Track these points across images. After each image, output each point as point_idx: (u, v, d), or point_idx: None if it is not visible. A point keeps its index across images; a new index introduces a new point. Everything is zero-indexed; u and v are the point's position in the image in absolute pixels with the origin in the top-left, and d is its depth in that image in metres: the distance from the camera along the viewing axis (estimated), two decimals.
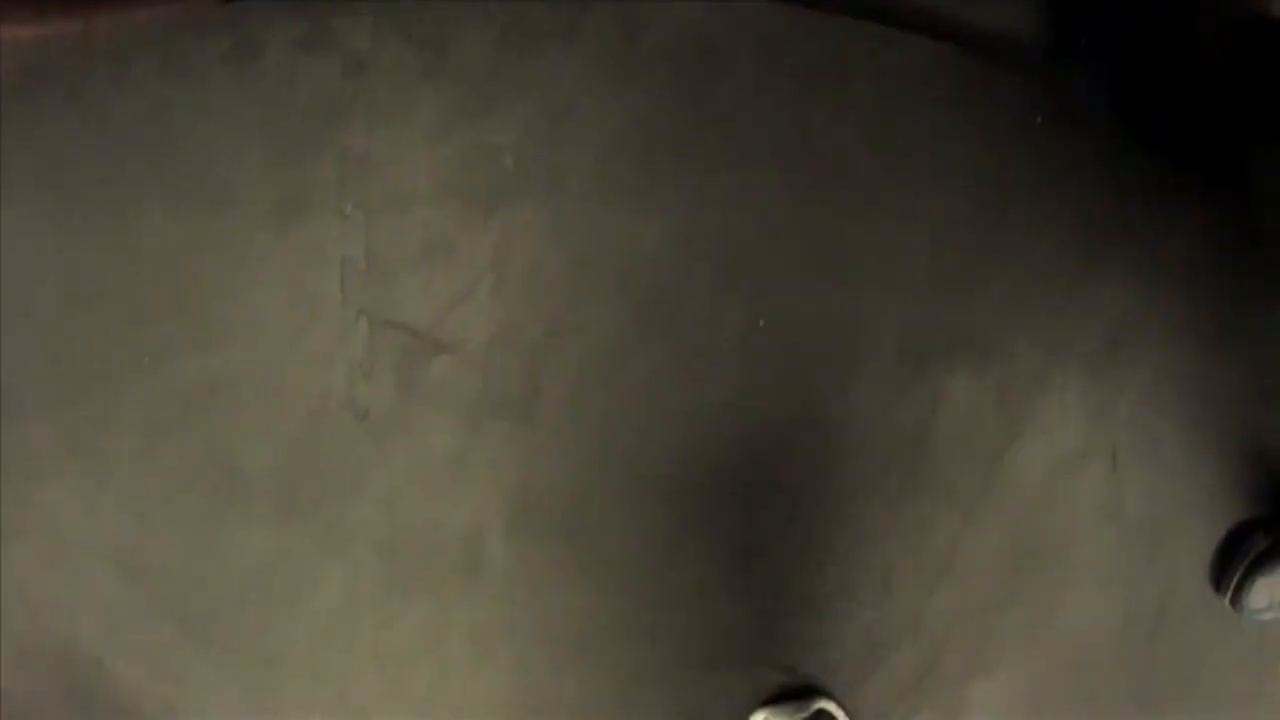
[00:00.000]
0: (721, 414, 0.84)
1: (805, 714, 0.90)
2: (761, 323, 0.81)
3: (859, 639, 0.93)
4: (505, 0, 0.76)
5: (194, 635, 1.00)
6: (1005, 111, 0.77)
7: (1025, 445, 0.84)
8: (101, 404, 0.94)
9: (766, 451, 0.85)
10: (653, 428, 0.85)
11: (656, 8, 0.75)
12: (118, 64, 0.83)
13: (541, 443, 0.86)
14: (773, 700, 0.93)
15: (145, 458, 0.94)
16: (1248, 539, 0.88)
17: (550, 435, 0.86)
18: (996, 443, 0.84)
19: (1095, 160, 0.77)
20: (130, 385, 0.92)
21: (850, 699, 0.95)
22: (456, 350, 0.85)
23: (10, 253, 0.86)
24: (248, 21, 0.79)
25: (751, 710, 0.93)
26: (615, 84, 0.77)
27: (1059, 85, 0.76)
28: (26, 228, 0.85)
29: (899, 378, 0.82)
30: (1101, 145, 0.77)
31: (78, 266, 0.89)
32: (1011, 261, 0.79)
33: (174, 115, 0.83)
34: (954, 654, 0.93)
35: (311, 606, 0.98)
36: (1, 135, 0.82)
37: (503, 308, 0.82)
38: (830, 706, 0.90)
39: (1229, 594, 0.88)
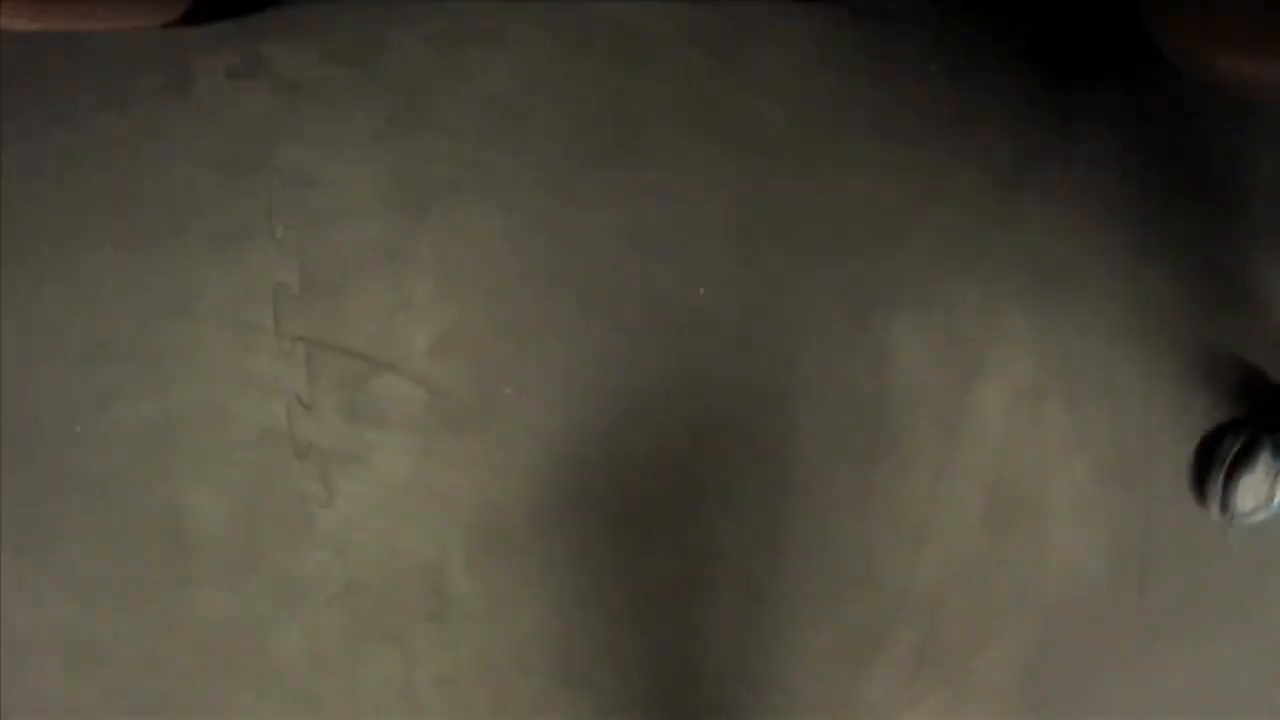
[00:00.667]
0: (675, 398, 0.82)
1: None
2: (701, 291, 0.80)
3: (848, 632, 0.89)
4: (430, 12, 0.78)
5: None
6: (904, 65, 0.79)
7: (981, 389, 0.83)
8: (43, 468, 0.90)
9: (724, 434, 0.83)
10: (607, 421, 0.82)
11: (574, 7, 0.77)
12: (58, 98, 0.83)
13: (496, 451, 0.83)
14: None
15: (89, 524, 0.90)
16: (1219, 444, 0.87)
17: (504, 442, 0.83)
18: (953, 391, 0.83)
19: (993, 99, 0.80)
20: (72, 443, 0.89)
21: (851, 697, 0.90)
22: (399, 366, 0.82)
23: None
24: (180, 53, 0.81)
25: None
26: (540, 82, 0.78)
27: (948, 34, 0.79)
28: None
29: (845, 335, 0.82)
30: (996, 83, 0.79)
31: (28, 312, 0.86)
32: (934, 207, 0.81)
33: (114, 148, 0.82)
34: (948, 628, 0.90)
35: (271, 671, 0.91)
36: None
37: (444, 313, 0.81)
38: None
39: (1216, 503, 0.87)
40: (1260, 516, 0.87)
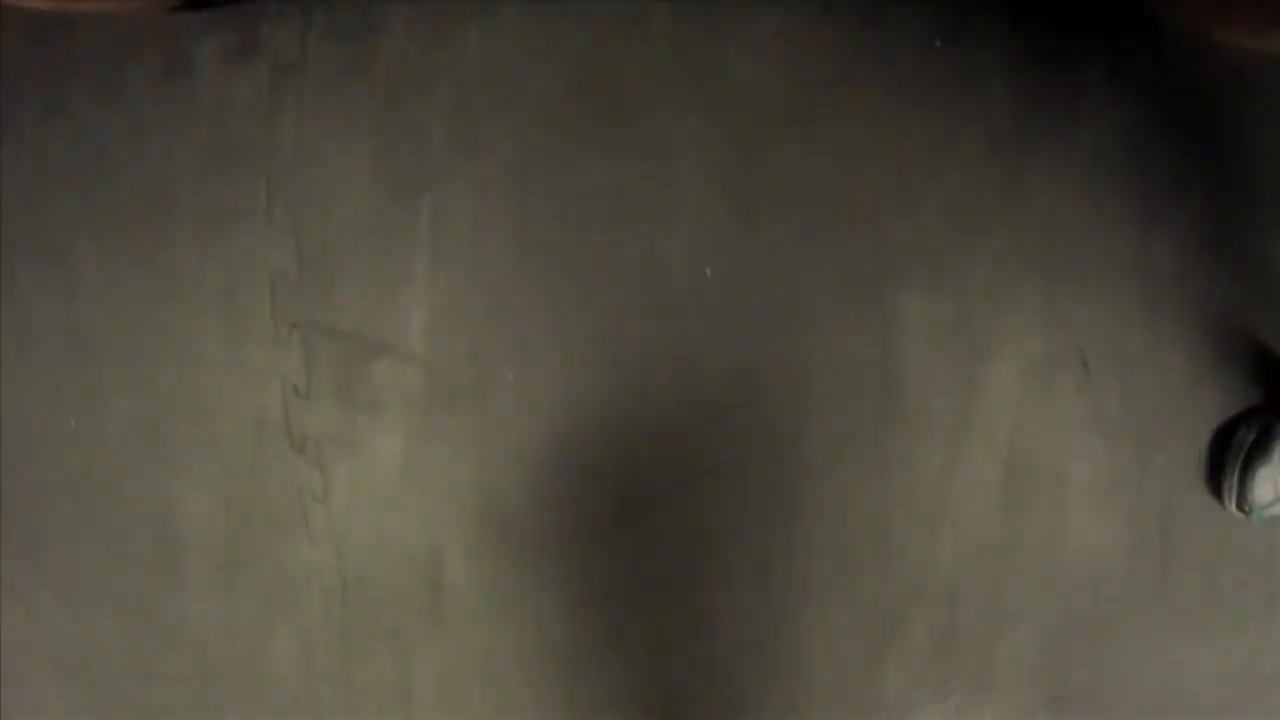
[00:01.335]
0: (679, 376, 0.81)
1: None
2: (709, 271, 0.79)
3: (865, 615, 0.86)
4: None
5: None
6: (906, 37, 0.79)
7: (993, 362, 0.82)
8: (34, 472, 0.88)
9: (730, 412, 0.81)
10: (609, 401, 0.80)
11: None
12: (51, 94, 0.82)
13: (495, 433, 0.81)
14: None
15: (82, 523, 0.88)
16: (1234, 435, 0.85)
17: (503, 423, 0.81)
18: (964, 364, 0.81)
19: (999, 70, 0.79)
20: (65, 440, 0.87)
21: (870, 686, 0.87)
22: (396, 347, 0.81)
23: None
24: (178, 38, 0.80)
25: None
26: (536, 54, 0.78)
27: (951, 7, 0.79)
28: None
29: (853, 310, 0.80)
30: (1002, 54, 0.79)
31: (24, 300, 0.85)
32: (939, 178, 0.80)
33: (113, 133, 0.82)
34: (969, 612, 0.87)
35: (266, 673, 0.88)
36: None
37: (441, 287, 0.79)
38: None
39: (1233, 497, 0.85)
40: (1278, 509, 0.85)
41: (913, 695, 0.87)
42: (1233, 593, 0.89)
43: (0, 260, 0.85)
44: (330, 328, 0.81)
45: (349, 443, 0.82)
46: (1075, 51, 0.80)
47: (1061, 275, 0.81)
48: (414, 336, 0.79)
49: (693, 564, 0.83)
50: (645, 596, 0.83)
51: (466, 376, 0.80)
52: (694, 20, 0.77)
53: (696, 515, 0.82)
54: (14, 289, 0.85)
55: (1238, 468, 0.84)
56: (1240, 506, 0.85)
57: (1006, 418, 0.82)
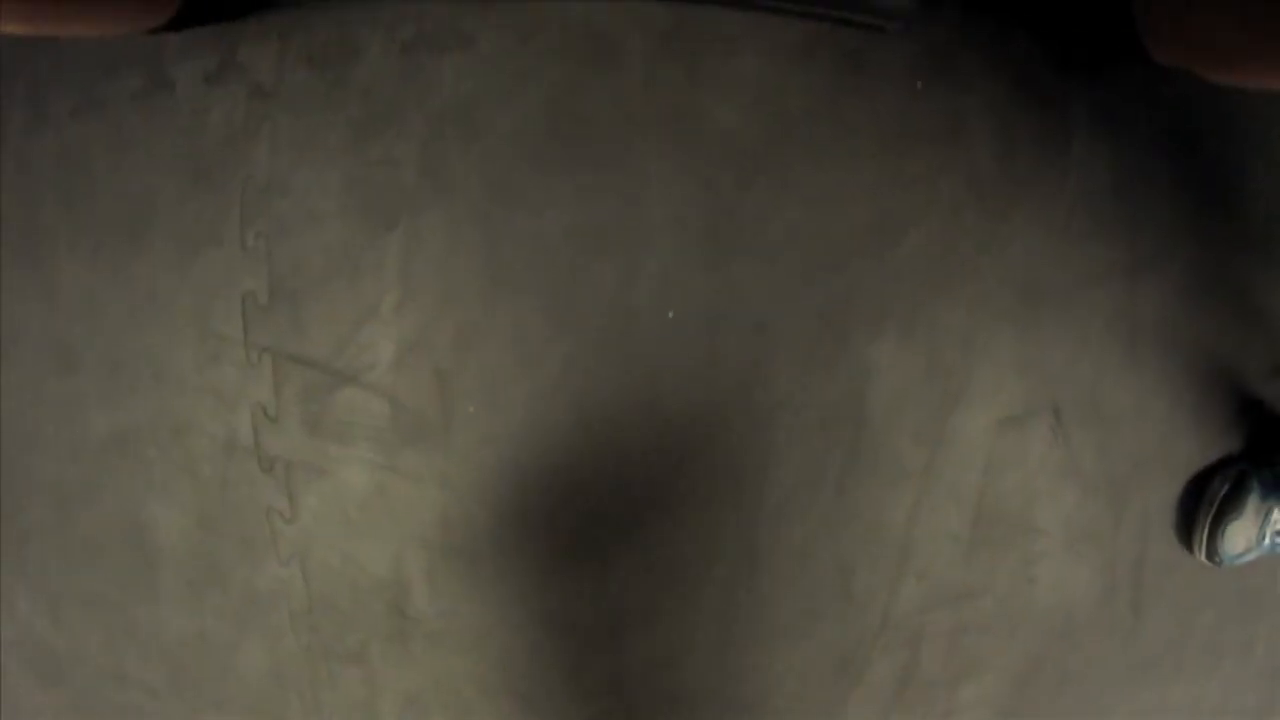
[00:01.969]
0: (646, 415, 0.80)
1: None
2: (671, 314, 0.78)
3: (826, 657, 0.86)
4: (405, 18, 0.77)
5: None
6: (887, 79, 0.78)
7: (965, 412, 0.81)
8: (13, 477, 0.89)
9: (696, 452, 0.81)
10: (574, 438, 0.80)
11: (549, 13, 0.76)
12: (36, 102, 0.82)
13: (460, 468, 0.81)
14: None
15: (56, 533, 0.89)
16: (1206, 487, 0.84)
17: (469, 459, 0.81)
18: (935, 412, 0.81)
19: (982, 115, 0.78)
20: (39, 450, 0.88)
21: None
22: (362, 378, 0.81)
23: None
24: (160, 58, 0.80)
25: None
26: (513, 90, 0.77)
27: (934, 49, 0.77)
28: None
29: (823, 356, 0.80)
30: (986, 99, 0.77)
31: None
32: (916, 224, 0.79)
33: (89, 156, 0.81)
34: (932, 657, 0.87)
35: (234, 690, 0.90)
36: None
37: (408, 322, 0.79)
38: None
39: (1202, 549, 0.84)
40: (1250, 557, 0.84)
41: None
42: (1205, 639, 0.88)
43: None
44: (299, 355, 0.81)
45: (316, 468, 0.83)
46: (1063, 94, 0.79)
47: (1039, 325, 0.80)
48: (380, 368, 0.79)
49: (655, 602, 0.83)
50: (607, 632, 0.84)
51: (432, 411, 0.80)
52: (670, 61, 0.75)
53: (659, 554, 0.82)
54: None
55: (1209, 519, 0.84)
56: (1210, 558, 0.85)
57: (976, 467, 0.82)
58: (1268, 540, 0.84)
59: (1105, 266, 0.80)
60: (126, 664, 0.93)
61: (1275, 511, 0.83)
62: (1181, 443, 0.83)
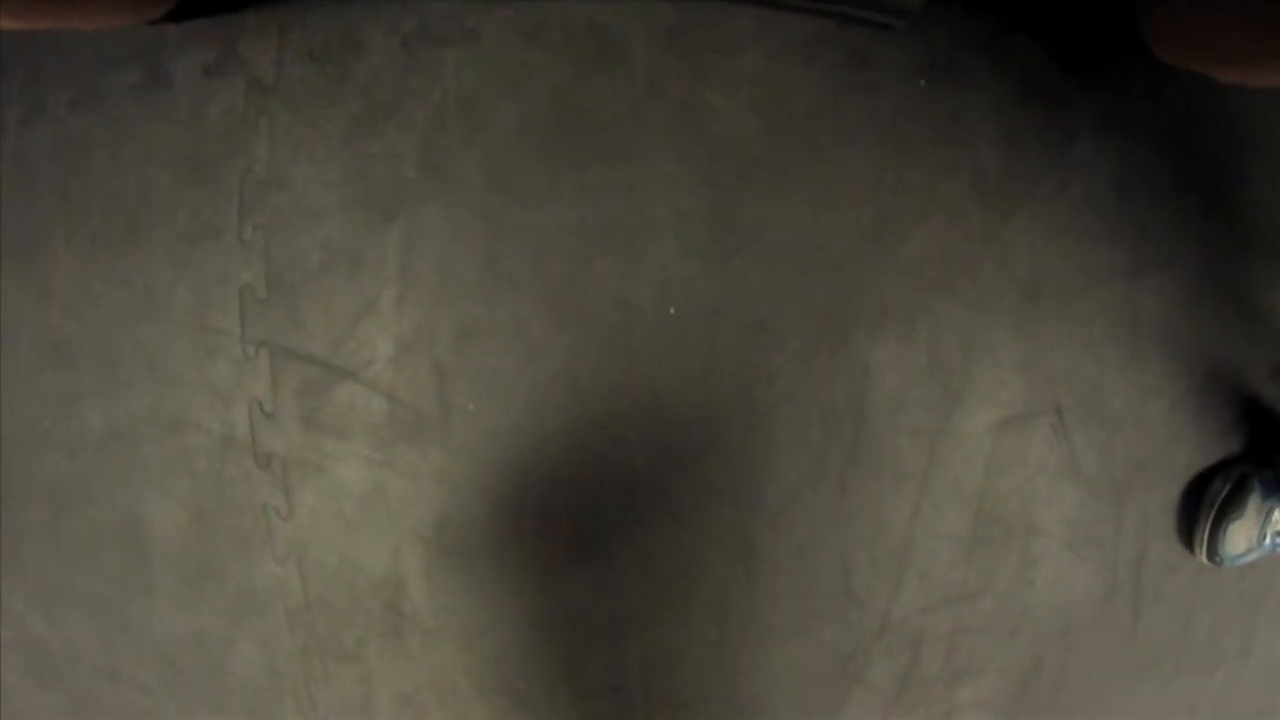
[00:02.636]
0: (645, 412, 0.80)
1: None
2: (672, 310, 0.78)
3: (826, 657, 0.85)
4: (406, 12, 0.76)
5: None
6: (891, 78, 0.77)
7: (966, 412, 0.81)
8: (8, 472, 0.88)
9: (696, 450, 0.81)
10: (573, 436, 0.80)
11: (550, 9, 0.75)
12: (34, 93, 0.81)
13: (457, 465, 0.80)
14: None
15: (52, 528, 0.88)
16: (1208, 488, 0.84)
17: (466, 456, 0.80)
18: (936, 412, 0.80)
19: (985, 114, 0.77)
20: (40, 446, 0.87)
21: None
22: (360, 374, 0.80)
23: None
24: (159, 50, 0.79)
25: None
26: (513, 85, 0.76)
27: (938, 48, 0.77)
28: None
29: (825, 354, 0.79)
30: (988, 99, 0.77)
31: None
32: (919, 223, 0.78)
33: (87, 148, 0.81)
34: (932, 658, 0.86)
35: (229, 688, 0.89)
36: None
37: (407, 317, 0.79)
38: None
39: (1203, 549, 0.84)
40: (1251, 558, 0.84)
41: None
42: (1205, 639, 0.88)
43: None
44: (296, 351, 0.80)
45: (313, 465, 0.82)
46: (1066, 94, 0.79)
47: (1041, 324, 0.80)
48: (379, 364, 0.79)
49: (652, 601, 0.82)
50: (604, 632, 0.83)
51: (430, 406, 0.79)
52: (674, 57, 0.75)
53: (658, 552, 0.82)
54: None
55: (1210, 520, 0.84)
56: (1210, 558, 0.85)
57: (977, 467, 0.81)
58: (1268, 541, 0.84)
59: (1107, 267, 0.80)
60: (121, 661, 0.92)
61: (1276, 512, 0.83)
62: (1183, 443, 0.83)
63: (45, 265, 0.85)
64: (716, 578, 0.82)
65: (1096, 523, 0.83)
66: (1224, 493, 0.83)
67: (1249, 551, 0.83)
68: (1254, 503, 0.82)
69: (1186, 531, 0.85)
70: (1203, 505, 0.84)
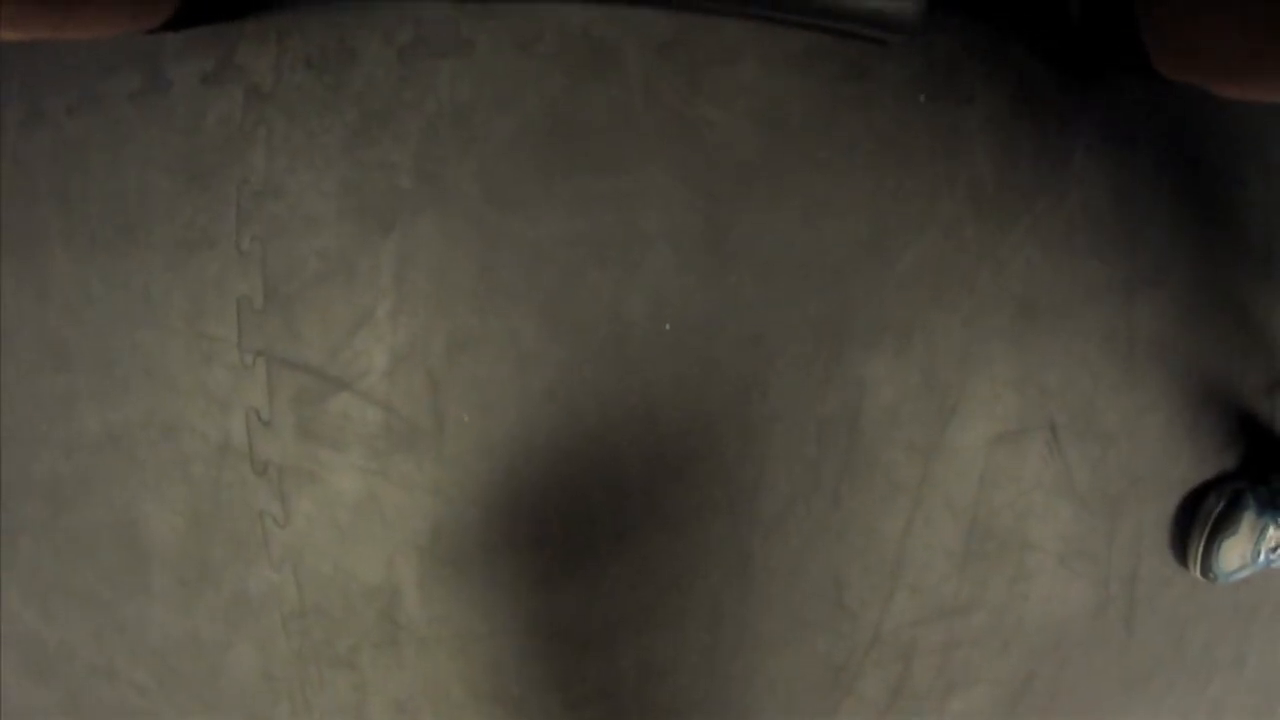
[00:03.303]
0: (639, 424, 0.80)
1: None
2: (667, 326, 0.78)
3: (818, 667, 0.86)
4: (404, 22, 0.76)
5: None
6: (888, 91, 0.77)
7: (960, 426, 0.81)
8: (5, 472, 0.89)
9: (690, 462, 0.81)
10: (566, 444, 0.80)
11: (547, 20, 0.75)
12: (32, 100, 0.82)
13: (452, 475, 0.81)
14: None
15: (50, 530, 0.89)
16: (1202, 504, 0.84)
17: (458, 464, 0.80)
18: (931, 426, 0.80)
19: (981, 129, 0.77)
20: (37, 447, 0.88)
21: None
22: (356, 384, 0.80)
23: None
24: (158, 58, 0.79)
25: None
26: (510, 95, 0.76)
27: (935, 61, 0.77)
28: None
29: (820, 367, 0.79)
30: (985, 113, 0.77)
31: None
32: (915, 238, 0.78)
33: (85, 154, 0.81)
34: (924, 671, 0.87)
35: (224, 692, 0.89)
36: None
37: (402, 328, 0.79)
38: None
39: (1197, 565, 0.84)
40: (1245, 574, 0.84)
41: None
42: (1198, 654, 0.88)
43: None
44: (293, 360, 0.81)
45: (309, 474, 0.83)
46: (1064, 108, 0.78)
47: (1036, 340, 0.80)
48: (374, 375, 0.79)
49: (647, 610, 0.83)
50: (597, 640, 0.83)
51: (424, 417, 0.79)
52: (670, 70, 0.75)
53: (652, 563, 0.82)
54: None
55: (1204, 536, 0.84)
56: (1205, 574, 0.85)
57: (971, 481, 0.81)
58: (1262, 557, 0.84)
59: (1104, 282, 0.79)
60: (117, 662, 0.93)
61: (1270, 528, 0.83)
62: (1177, 459, 0.83)
63: (43, 268, 0.85)
64: (710, 587, 0.83)
65: (1090, 538, 0.83)
66: (1218, 509, 0.83)
67: (1243, 568, 0.83)
68: (1248, 519, 0.82)
69: (1180, 547, 0.85)
70: (1197, 521, 0.84)
